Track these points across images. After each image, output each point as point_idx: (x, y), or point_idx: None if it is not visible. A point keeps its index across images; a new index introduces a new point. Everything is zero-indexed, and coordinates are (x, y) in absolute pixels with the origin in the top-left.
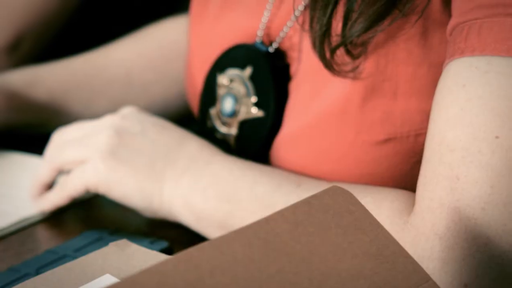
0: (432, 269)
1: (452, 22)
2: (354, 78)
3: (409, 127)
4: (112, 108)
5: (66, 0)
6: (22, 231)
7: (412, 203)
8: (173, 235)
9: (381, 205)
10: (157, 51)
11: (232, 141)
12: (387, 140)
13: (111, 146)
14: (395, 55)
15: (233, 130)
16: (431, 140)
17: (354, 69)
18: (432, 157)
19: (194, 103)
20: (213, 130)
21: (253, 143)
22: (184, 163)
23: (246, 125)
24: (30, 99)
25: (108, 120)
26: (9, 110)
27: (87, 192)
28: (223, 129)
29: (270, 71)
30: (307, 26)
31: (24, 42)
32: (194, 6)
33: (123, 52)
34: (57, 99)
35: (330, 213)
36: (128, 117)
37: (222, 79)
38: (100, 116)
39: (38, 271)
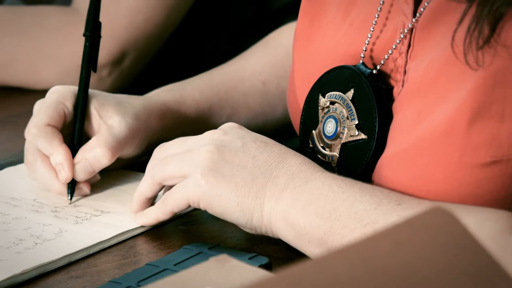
0: None
1: None
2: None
3: None
4: (251, 119)
5: (167, 19)
6: (123, 244)
7: None
8: (271, 251)
9: (483, 225)
10: (286, 58)
11: (334, 163)
12: (493, 163)
13: (212, 161)
14: (504, 77)
15: (335, 153)
16: None
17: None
18: None
19: (296, 121)
20: (315, 151)
21: (356, 166)
22: (284, 179)
23: (349, 148)
24: (181, 116)
25: (209, 136)
26: (162, 129)
27: (188, 207)
28: (325, 151)
29: (374, 94)
30: (415, 51)
31: (127, 57)
32: (300, 24)
33: (256, 62)
34: (204, 114)
35: (431, 233)
36: (229, 132)
37: (324, 101)
38: None
39: (139, 284)
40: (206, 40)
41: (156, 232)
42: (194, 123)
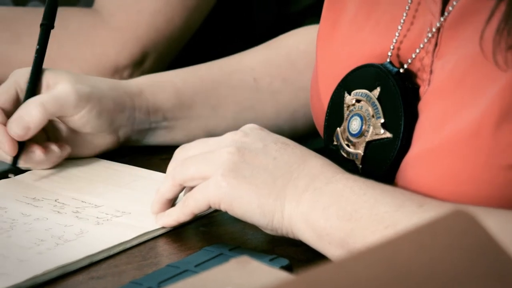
0: None
1: None
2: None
3: None
4: (240, 113)
5: (188, 21)
6: (143, 245)
7: None
8: (292, 253)
9: (505, 227)
10: (286, 60)
11: (358, 161)
12: None
13: (233, 163)
14: None
15: (359, 151)
16: None
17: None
18: None
19: (320, 121)
20: (339, 149)
21: (381, 164)
22: (305, 181)
23: (374, 146)
24: (157, 100)
25: (229, 137)
26: (135, 109)
27: (209, 208)
28: (349, 149)
29: (400, 93)
30: (442, 48)
31: (148, 58)
32: (323, 24)
33: (251, 58)
34: (185, 102)
35: (453, 236)
36: (250, 134)
37: (350, 98)
38: (228, 120)
39: (159, 285)
40: (227, 42)
41: (176, 234)
42: (175, 109)
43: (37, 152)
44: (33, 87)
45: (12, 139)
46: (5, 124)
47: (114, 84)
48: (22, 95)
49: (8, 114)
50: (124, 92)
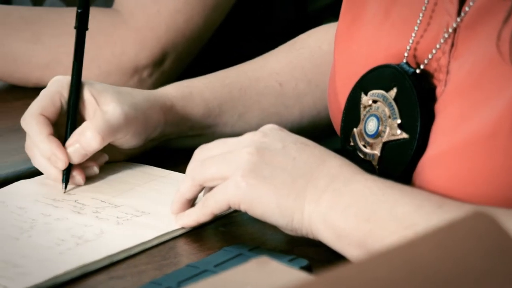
0: None
1: None
2: None
3: None
4: (265, 118)
5: (207, 20)
6: (163, 245)
7: None
8: (312, 253)
9: None
10: (309, 62)
11: (375, 162)
12: None
13: (252, 163)
14: None
15: (376, 151)
16: None
17: None
18: None
19: (337, 120)
20: (356, 149)
21: (397, 165)
22: (324, 181)
23: (390, 147)
24: (187, 112)
25: (249, 137)
26: (165, 124)
27: (229, 208)
28: (366, 149)
29: (416, 93)
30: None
31: (167, 58)
32: (341, 24)
33: (276, 62)
34: (213, 112)
35: (473, 237)
36: (269, 134)
37: (366, 99)
38: (253, 125)
39: (179, 285)
40: (246, 41)
41: (196, 234)
42: (203, 120)
43: (78, 178)
44: (76, 101)
45: (66, 154)
46: (53, 134)
47: (149, 100)
48: (65, 104)
49: (52, 123)
50: (159, 108)
